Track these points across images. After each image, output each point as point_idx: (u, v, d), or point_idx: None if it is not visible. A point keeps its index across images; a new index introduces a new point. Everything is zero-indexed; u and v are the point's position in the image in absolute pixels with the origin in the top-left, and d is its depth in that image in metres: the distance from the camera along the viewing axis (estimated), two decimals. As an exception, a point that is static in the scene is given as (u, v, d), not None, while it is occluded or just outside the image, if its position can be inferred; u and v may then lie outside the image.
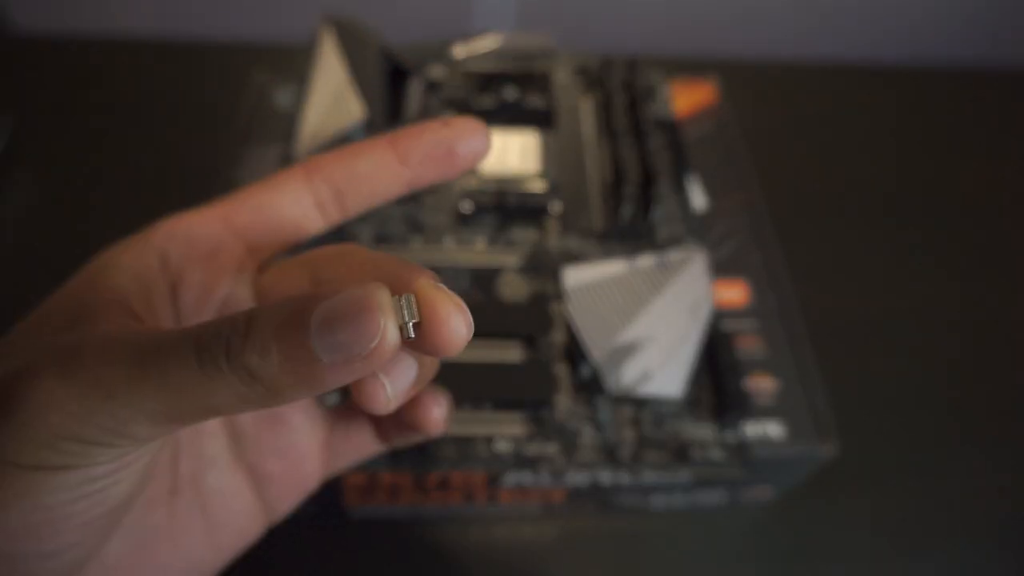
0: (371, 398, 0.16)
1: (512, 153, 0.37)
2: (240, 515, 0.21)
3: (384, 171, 0.20)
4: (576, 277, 0.33)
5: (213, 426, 0.21)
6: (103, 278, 0.18)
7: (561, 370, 0.31)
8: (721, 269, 0.36)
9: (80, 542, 0.15)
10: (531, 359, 0.30)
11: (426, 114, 0.38)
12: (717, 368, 0.30)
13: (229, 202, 0.21)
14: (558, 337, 0.32)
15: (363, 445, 0.23)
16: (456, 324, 0.14)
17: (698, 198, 0.38)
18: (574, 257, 0.34)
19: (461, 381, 0.29)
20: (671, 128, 0.39)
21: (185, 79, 0.55)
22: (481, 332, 0.28)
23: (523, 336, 0.31)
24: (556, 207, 0.36)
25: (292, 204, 0.20)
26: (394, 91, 0.38)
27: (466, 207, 0.35)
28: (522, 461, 0.29)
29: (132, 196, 0.47)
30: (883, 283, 0.47)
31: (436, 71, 0.39)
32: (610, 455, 0.29)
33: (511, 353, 0.31)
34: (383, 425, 0.23)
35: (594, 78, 0.43)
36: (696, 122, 0.43)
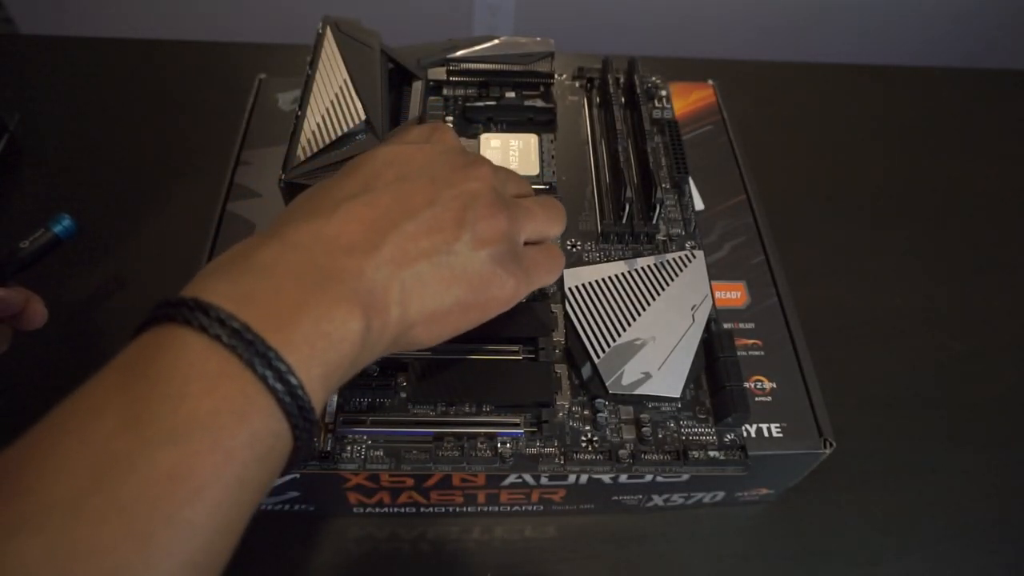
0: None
1: (512, 154, 0.37)
2: None
3: None
4: (576, 277, 0.33)
5: None
6: None
7: (561, 370, 0.31)
8: (720, 270, 0.36)
9: None
10: (531, 359, 0.30)
11: (426, 115, 0.38)
12: (716, 368, 0.30)
13: None
14: (558, 337, 0.32)
15: None
16: None
17: (697, 199, 0.39)
18: (574, 258, 0.34)
19: (462, 381, 0.30)
20: (671, 129, 0.40)
21: (187, 80, 0.55)
22: (482, 333, 0.28)
23: (524, 337, 0.31)
24: (556, 208, 0.36)
25: None
26: (394, 92, 0.38)
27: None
28: (522, 461, 0.29)
29: (132, 195, 0.47)
30: (881, 283, 0.47)
31: (436, 72, 0.39)
32: (610, 455, 0.29)
33: (511, 353, 0.31)
34: None
35: (594, 79, 0.43)
36: (695, 124, 0.43)
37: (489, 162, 0.27)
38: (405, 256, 0.22)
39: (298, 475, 0.30)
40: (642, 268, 0.33)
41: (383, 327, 0.21)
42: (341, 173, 0.25)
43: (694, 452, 0.29)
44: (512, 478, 0.31)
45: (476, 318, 0.25)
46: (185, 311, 0.18)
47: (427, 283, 0.23)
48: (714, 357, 0.31)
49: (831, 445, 0.31)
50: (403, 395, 0.30)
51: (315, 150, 0.32)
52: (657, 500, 0.35)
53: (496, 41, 0.39)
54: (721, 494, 0.35)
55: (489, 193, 0.25)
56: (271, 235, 0.21)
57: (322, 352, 0.19)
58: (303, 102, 0.34)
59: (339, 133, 0.32)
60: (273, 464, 0.19)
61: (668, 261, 0.34)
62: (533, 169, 0.37)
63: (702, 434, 0.30)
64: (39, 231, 0.35)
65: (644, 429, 0.29)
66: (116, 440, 0.16)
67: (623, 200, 0.35)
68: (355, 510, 0.34)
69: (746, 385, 0.31)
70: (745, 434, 0.30)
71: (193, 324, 0.18)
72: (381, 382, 0.30)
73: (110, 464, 0.16)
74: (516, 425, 0.29)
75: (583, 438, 0.29)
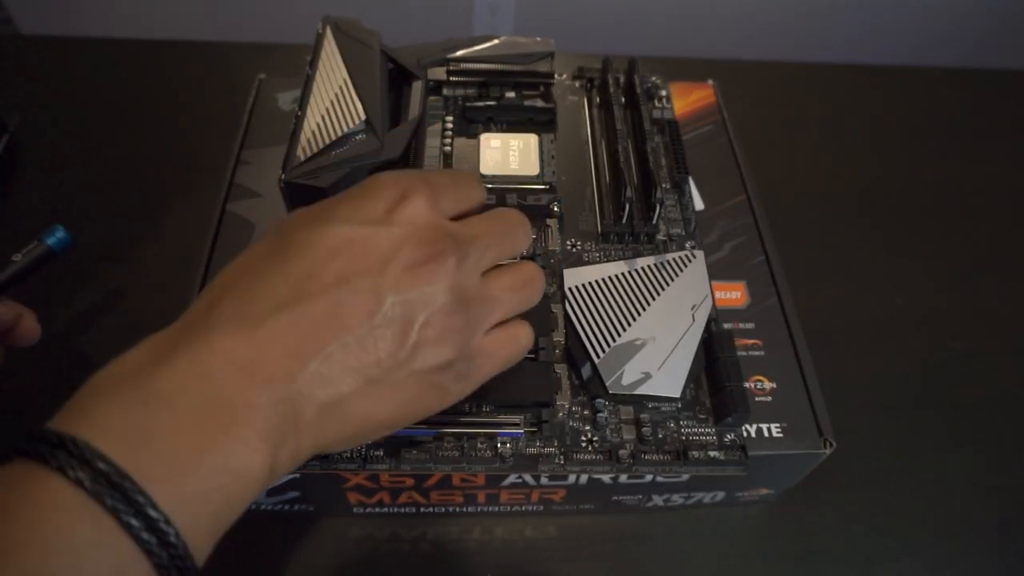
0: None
1: (512, 154, 0.37)
2: None
3: None
4: (576, 277, 0.33)
5: None
6: None
7: (561, 370, 0.31)
8: (720, 271, 0.36)
9: None
10: (531, 359, 0.30)
11: (426, 115, 0.38)
12: (716, 368, 0.30)
13: None
14: (558, 337, 0.32)
15: None
16: None
17: (697, 199, 0.39)
18: (574, 258, 0.34)
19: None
20: (671, 129, 0.40)
21: (186, 80, 0.55)
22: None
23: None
24: (556, 208, 0.36)
25: None
26: (394, 92, 0.38)
27: (466, 208, 0.35)
28: (522, 461, 0.29)
29: (132, 195, 0.47)
30: (881, 283, 0.47)
31: (436, 72, 0.39)
32: (610, 455, 0.29)
33: (511, 353, 0.31)
34: None
35: (594, 79, 0.43)
36: (695, 124, 0.43)
37: (467, 240, 0.23)
38: (327, 382, 0.20)
39: (298, 475, 0.30)
40: (642, 268, 0.33)
41: (293, 455, 0.20)
42: (278, 251, 0.22)
43: (694, 452, 0.29)
44: (512, 478, 0.31)
45: (405, 425, 0.23)
46: (46, 449, 0.17)
47: (348, 409, 0.21)
48: (714, 357, 0.31)
49: (831, 445, 0.31)
50: (403, 395, 0.30)
51: (315, 150, 0.32)
52: (657, 500, 0.35)
53: (496, 41, 0.39)
54: (721, 494, 0.35)
55: (445, 305, 0.22)
56: (184, 337, 0.20)
57: (217, 491, 0.18)
58: (303, 102, 0.34)
59: (339, 133, 0.32)
60: None
61: (668, 261, 0.34)
62: (533, 169, 0.37)
63: (702, 434, 0.30)
64: (32, 243, 0.35)
65: (644, 429, 0.29)
66: None
67: (623, 200, 0.35)
68: (355, 510, 0.34)
69: (746, 385, 0.31)
70: (745, 434, 0.30)
71: (52, 464, 0.17)
72: (381, 382, 0.30)
73: None
74: (516, 425, 0.29)
75: (583, 438, 0.29)
